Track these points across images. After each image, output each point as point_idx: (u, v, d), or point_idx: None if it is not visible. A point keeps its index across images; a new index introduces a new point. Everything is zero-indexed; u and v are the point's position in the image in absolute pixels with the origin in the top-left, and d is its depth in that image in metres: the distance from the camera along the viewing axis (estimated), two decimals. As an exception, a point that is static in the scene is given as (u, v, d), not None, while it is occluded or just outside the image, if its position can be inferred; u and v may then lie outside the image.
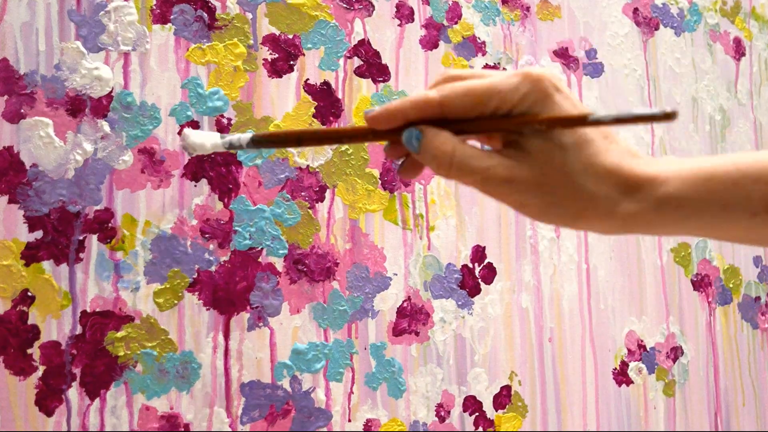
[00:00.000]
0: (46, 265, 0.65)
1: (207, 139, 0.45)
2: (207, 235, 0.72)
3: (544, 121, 0.36)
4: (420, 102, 0.38)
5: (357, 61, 0.83)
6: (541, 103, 0.36)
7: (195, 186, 0.72)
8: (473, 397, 0.86)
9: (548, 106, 0.36)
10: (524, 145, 0.37)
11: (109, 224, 0.68)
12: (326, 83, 0.81)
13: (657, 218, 0.36)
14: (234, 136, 0.44)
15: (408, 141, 0.38)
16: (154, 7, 0.72)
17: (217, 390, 0.71)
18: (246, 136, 0.45)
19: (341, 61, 0.82)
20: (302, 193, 0.77)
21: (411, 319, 0.83)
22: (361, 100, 0.82)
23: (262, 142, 0.44)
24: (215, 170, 0.73)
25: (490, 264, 0.89)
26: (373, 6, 0.85)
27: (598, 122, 0.36)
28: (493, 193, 0.37)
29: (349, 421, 0.78)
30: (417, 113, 0.38)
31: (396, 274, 0.82)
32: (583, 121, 0.36)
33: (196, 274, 0.71)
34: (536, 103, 0.36)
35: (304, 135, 0.43)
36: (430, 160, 0.38)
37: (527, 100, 0.36)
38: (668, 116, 0.34)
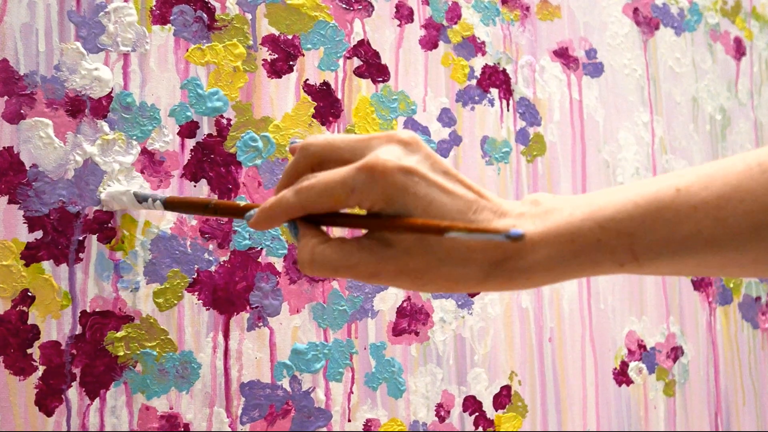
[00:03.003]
0: (46, 265, 0.65)
1: (124, 194, 0.51)
2: (207, 236, 0.72)
3: (400, 227, 0.36)
4: (285, 209, 0.39)
5: (357, 62, 0.83)
6: (400, 197, 0.36)
7: (194, 186, 0.72)
8: (473, 397, 0.86)
9: (406, 199, 0.36)
10: (385, 236, 0.37)
11: (109, 224, 0.68)
12: (326, 83, 0.81)
13: (527, 282, 0.36)
14: (153, 193, 0.52)
15: (290, 234, 0.42)
16: (154, 8, 0.72)
17: (217, 390, 0.71)
18: (162, 197, 0.51)
19: (341, 62, 0.82)
20: (302, 194, 0.77)
21: (411, 319, 0.83)
22: (360, 100, 0.83)
23: (172, 206, 0.50)
24: (215, 170, 0.73)
25: (489, 264, 0.89)
26: (372, 6, 0.85)
27: (458, 234, 0.35)
28: (361, 282, 0.40)
29: (349, 421, 0.78)
30: (286, 218, 0.40)
31: (396, 274, 0.82)
32: (439, 231, 0.35)
33: (196, 274, 0.71)
34: (393, 198, 0.36)
35: (218, 206, 0.48)
36: (298, 262, 0.39)
37: (383, 197, 0.36)
38: (512, 239, 0.33)
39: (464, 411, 0.85)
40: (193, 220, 0.72)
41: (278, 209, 0.39)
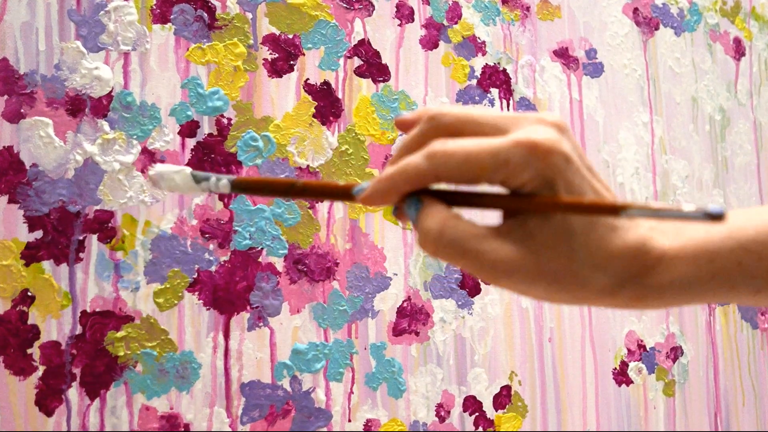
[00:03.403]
0: (46, 265, 0.65)
1: (176, 174, 0.40)
2: (207, 235, 0.72)
3: (560, 207, 0.32)
4: (411, 176, 0.33)
5: (357, 61, 0.83)
6: (552, 182, 0.32)
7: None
8: (473, 397, 0.86)
9: (559, 185, 0.32)
10: (528, 224, 0.33)
11: (109, 224, 0.68)
12: (326, 83, 0.81)
13: (659, 301, 0.34)
14: (213, 176, 0.40)
15: (408, 210, 0.34)
16: (154, 7, 0.72)
17: (217, 390, 0.71)
18: (227, 179, 0.41)
19: (341, 61, 0.82)
20: (302, 193, 0.77)
21: (411, 319, 0.83)
22: (361, 100, 0.82)
23: (242, 188, 0.41)
24: (215, 170, 0.73)
25: (490, 264, 0.89)
26: (373, 6, 0.85)
27: (632, 216, 0.31)
28: (486, 279, 0.33)
29: (349, 421, 0.77)
30: (411, 187, 0.34)
31: (396, 274, 0.82)
32: (615, 211, 0.31)
33: (196, 274, 0.71)
34: (547, 182, 0.32)
35: (297, 188, 0.39)
36: (419, 236, 0.34)
37: (538, 179, 0.32)
38: (715, 217, 0.30)
39: (464, 411, 0.85)
40: (193, 220, 0.72)
41: (403, 176, 0.33)
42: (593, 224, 0.32)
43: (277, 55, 0.78)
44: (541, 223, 0.32)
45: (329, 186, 0.39)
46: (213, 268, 0.72)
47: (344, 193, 0.38)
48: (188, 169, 0.41)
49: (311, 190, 0.39)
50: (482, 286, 0.88)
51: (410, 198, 0.35)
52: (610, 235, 0.33)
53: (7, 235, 0.63)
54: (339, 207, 0.79)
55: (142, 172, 0.69)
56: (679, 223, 0.34)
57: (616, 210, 0.31)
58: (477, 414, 0.86)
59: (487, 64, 0.92)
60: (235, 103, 0.75)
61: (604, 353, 0.97)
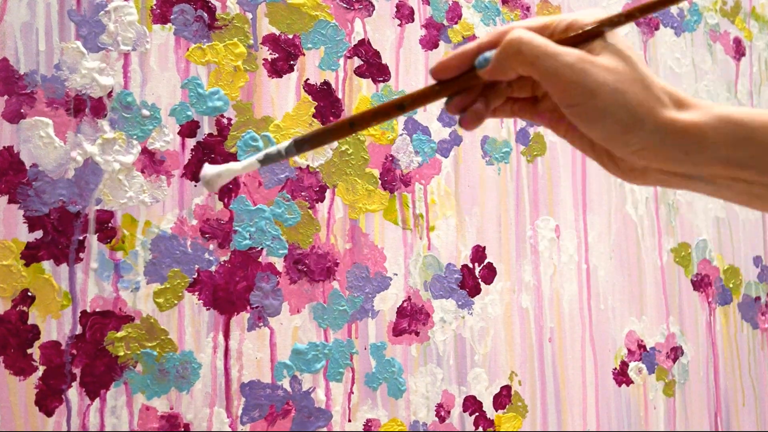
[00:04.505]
0: (46, 265, 0.65)
1: (234, 165, 0.40)
2: (207, 235, 0.72)
3: (621, 16, 0.38)
4: (490, 33, 0.39)
5: (357, 61, 0.83)
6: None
7: (195, 186, 0.72)
8: (473, 397, 0.86)
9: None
10: (594, 50, 0.38)
11: (109, 224, 0.68)
12: (326, 83, 0.81)
13: (712, 133, 0.37)
14: (270, 149, 0.41)
15: (480, 61, 0.39)
16: (154, 7, 0.72)
17: (217, 390, 0.71)
18: (285, 143, 0.41)
19: (341, 61, 0.82)
20: (302, 193, 0.77)
21: (411, 319, 0.83)
22: (361, 100, 0.82)
23: (305, 142, 0.40)
24: (215, 170, 0.73)
25: (490, 264, 0.89)
26: (373, 6, 0.85)
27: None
28: (562, 79, 0.37)
29: (349, 421, 0.78)
30: (489, 41, 0.39)
31: (396, 274, 0.82)
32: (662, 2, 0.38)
33: (196, 274, 0.71)
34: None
35: (357, 118, 0.40)
36: (500, 58, 0.38)
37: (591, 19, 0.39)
38: None
39: (464, 411, 0.85)
40: (193, 220, 0.72)
41: (487, 37, 0.39)
42: (644, 63, 0.39)
43: (277, 55, 0.78)
44: (603, 46, 0.38)
45: (385, 103, 0.40)
46: (213, 268, 0.72)
47: (405, 98, 0.40)
48: (251, 159, 0.40)
49: (368, 117, 0.40)
50: (482, 286, 0.88)
51: (483, 54, 0.39)
52: (658, 79, 0.39)
53: (7, 235, 0.63)
54: (339, 207, 0.79)
55: (143, 172, 0.69)
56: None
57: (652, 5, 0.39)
58: (477, 414, 0.86)
59: (487, 64, 0.92)
60: (235, 103, 0.75)
61: (604, 353, 0.97)
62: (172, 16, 0.72)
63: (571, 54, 0.37)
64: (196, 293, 0.71)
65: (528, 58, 0.37)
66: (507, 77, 0.39)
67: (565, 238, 0.95)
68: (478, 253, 0.88)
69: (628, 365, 0.98)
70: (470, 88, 0.42)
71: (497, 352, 0.88)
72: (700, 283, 1.08)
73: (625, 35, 1.05)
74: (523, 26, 0.39)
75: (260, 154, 0.41)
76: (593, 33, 0.38)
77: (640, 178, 0.40)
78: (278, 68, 0.78)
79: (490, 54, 0.39)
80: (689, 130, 0.37)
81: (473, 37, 0.92)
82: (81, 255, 0.66)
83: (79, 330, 0.65)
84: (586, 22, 0.39)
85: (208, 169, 0.41)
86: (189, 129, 0.72)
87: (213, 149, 0.73)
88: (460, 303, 0.86)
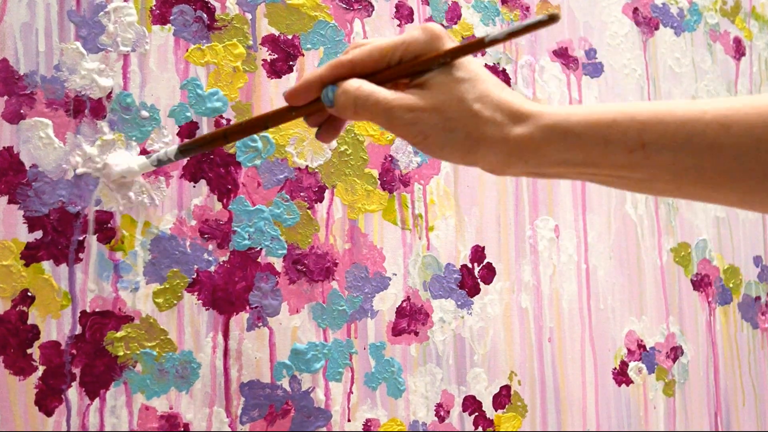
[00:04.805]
0: (46, 265, 0.65)
1: (132, 162, 0.53)
2: (206, 236, 0.72)
3: (448, 53, 0.41)
4: (333, 64, 0.43)
5: (356, 62, 0.83)
6: (439, 45, 0.42)
7: (194, 187, 0.72)
8: (473, 397, 0.86)
9: (443, 46, 0.42)
10: (425, 84, 0.41)
11: (109, 224, 0.68)
12: (325, 84, 0.81)
13: (544, 144, 0.40)
14: (160, 152, 0.50)
15: (325, 97, 0.43)
16: (154, 8, 0.72)
17: (217, 390, 0.71)
18: (172, 148, 0.49)
19: (340, 62, 0.82)
20: (301, 194, 0.77)
21: (410, 319, 0.83)
22: (360, 100, 0.83)
23: (189, 149, 0.49)
24: (214, 171, 0.73)
25: (489, 264, 0.89)
26: (372, 6, 0.85)
27: (494, 41, 0.41)
28: (396, 125, 0.41)
29: (349, 420, 0.78)
30: (331, 74, 0.43)
31: (395, 274, 0.82)
32: (482, 43, 0.41)
33: (196, 274, 0.71)
34: (435, 49, 0.42)
35: (230, 130, 0.48)
36: (339, 106, 0.42)
37: (428, 47, 0.42)
38: (552, 18, 0.39)
39: (464, 411, 0.85)
40: (192, 221, 0.72)
41: (324, 69, 0.43)
42: (480, 79, 0.41)
43: (276, 55, 0.78)
44: (436, 79, 0.41)
45: (252, 119, 0.47)
46: (212, 269, 0.72)
47: (268, 117, 0.46)
48: (142, 158, 0.52)
49: (239, 129, 0.47)
50: (482, 286, 0.88)
51: (326, 88, 0.43)
52: (496, 89, 0.41)
53: (7, 236, 0.63)
54: (338, 207, 0.80)
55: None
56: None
57: (482, 42, 0.41)
58: (477, 414, 0.86)
59: (486, 63, 0.92)
60: (235, 104, 0.75)
61: (604, 353, 0.97)
62: (171, 17, 0.73)
63: (401, 106, 0.40)
64: (196, 293, 0.71)
65: (364, 114, 0.42)
66: (350, 119, 0.44)
67: (564, 237, 0.95)
68: (478, 253, 0.88)
69: (627, 365, 0.98)
70: (321, 109, 0.46)
71: (497, 352, 0.88)
72: (700, 283, 1.08)
73: (625, 35, 1.05)
74: (363, 54, 0.43)
75: (153, 158, 0.51)
76: (424, 68, 0.42)
77: (504, 174, 0.43)
78: (277, 69, 0.78)
79: (332, 93, 0.43)
80: (522, 144, 0.40)
81: (473, 38, 0.92)
82: (81, 255, 0.66)
83: (79, 330, 0.66)
84: (420, 50, 0.42)
85: (113, 164, 0.53)
86: (188, 130, 0.72)
87: (212, 150, 0.73)
88: (459, 303, 0.86)
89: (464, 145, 0.41)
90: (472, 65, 0.42)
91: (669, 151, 0.38)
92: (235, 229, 0.73)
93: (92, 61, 0.68)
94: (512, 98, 0.41)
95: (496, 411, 0.87)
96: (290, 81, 0.79)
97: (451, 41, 0.42)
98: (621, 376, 0.98)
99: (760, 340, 1.13)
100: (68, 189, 0.66)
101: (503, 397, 0.88)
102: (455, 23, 0.90)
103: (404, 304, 0.82)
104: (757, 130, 0.36)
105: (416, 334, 0.83)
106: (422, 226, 0.85)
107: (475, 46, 0.41)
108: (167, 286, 0.70)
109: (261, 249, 0.75)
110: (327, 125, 0.47)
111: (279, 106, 0.47)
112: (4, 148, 0.64)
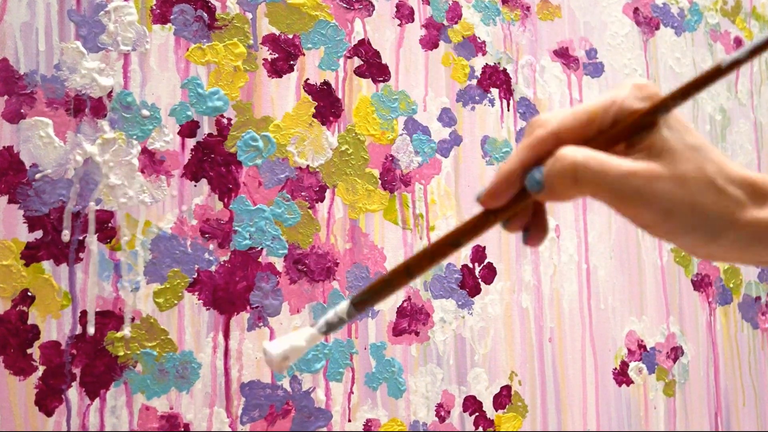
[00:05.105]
0: (46, 265, 0.65)
1: (296, 340, 0.35)
2: (207, 235, 0.72)
3: (677, 95, 0.34)
4: (529, 144, 0.35)
5: (357, 61, 0.83)
6: (654, 99, 0.35)
7: (195, 186, 0.72)
8: (473, 397, 0.86)
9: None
10: (654, 149, 0.34)
11: (109, 224, 0.68)
12: (326, 83, 0.81)
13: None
14: (328, 315, 0.37)
15: (531, 181, 0.35)
16: (154, 7, 0.72)
17: (217, 390, 0.71)
18: (342, 306, 0.36)
19: (341, 61, 0.82)
20: (302, 193, 0.77)
21: (411, 319, 0.83)
22: (361, 100, 0.82)
23: (365, 300, 0.36)
24: (215, 170, 0.73)
25: (490, 264, 0.89)
26: (373, 6, 0.85)
27: (736, 63, 0.33)
28: (631, 199, 0.33)
29: (349, 421, 0.78)
30: (532, 154, 0.35)
31: (396, 274, 0.82)
32: (719, 71, 0.33)
33: (196, 274, 0.71)
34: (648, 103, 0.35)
35: (411, 262, 0.36)
36: (554, 182, 0.34)
37: (640, 103, 0.34)
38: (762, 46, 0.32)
39: (464, 411, 0.85)
40: (193, 220, 0.72)
41: (521, 151, 0.34)
42: (709, 147, 0.34)
43: (277, 55, 0.78)
44: (669, 142, 0.34)
45: (440, 241, 0.36)
46: (213, 268, 0.72)
47: (461, 232, 0.36)
48: (311, 330, 0.35)
49: (424, 258, 0.36)
50: (482, 286, 0.88)
51: (530, 173, 0.35)
52: (727, 161, 0.34)
53: (7, 235, 0.63)
54: (339, 207, 0.79)
55: (142, 172, 0.69)
56: None
57: (719, 69, 0.33)
58: (477, 414, 0.86)
59: (487, 64, 0.92)
60: (235, 103, 0.75)
61: (604, 353, 0.97)
62: (171, 16, 0.72)
63: (636, 174, 0.33)
64: (196, 293, 0.71)
65: (588, 187, 0.33)
66: (565, 201, 0.35)
67: (565, 237, 0.95)
68: (478, 253, 0.88)
69: (628, 365, 0.98)
70: (525, 207, 0.37)
71: (497, 352, 0.88)
72: (700, 283, 1.08)
73: (625, 35, 1.05)
74: (566, 121, 0.34)
75: (321, 324, 0.37)
76: (646, 122, 0.34)
77: (730, 261, 0.36)
78: (278, 68, 0.78)
79: (540, 175, 0.34)
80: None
81: (473, 37, 0.92)
82: (81, 255, 0.66)
83: (79, 330, 0.65)
84: (635, 108, 0.34)
85: (272, 351, 0.36)
86: (189, 129, 0.72)
87: (213, 149, 0.73)
88: (460, 303, 0.86)
89: (715, 228, 0.34)
90: (687, 124, 0.36)
91: None
92: (236, 228, 0.73)
93: (92, 61, 0.68)
94: (746, 172, 0.35)
95: (496, 411, 0.87)
96: (291, 80, 0.79)
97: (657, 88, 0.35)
98: (621, 376, 0.98)
99: (760, 340, 1.13)
100: (69, 188, 0.66)
101: (504, 397, 0.88)
102: (455, 23, 0.90)
103: (405, 304, 0.82)
104: None
105: (417, 334, 0.83)
106: (423, 225, 0.85)
107: (714, 75, 0.33)
108: (168, 285, 0.70)
109: (262, 249, 0.75)
110: (533, 224, 0.38)
111: (473, 215, 0.36)
112: (4, 147, 0.64)
